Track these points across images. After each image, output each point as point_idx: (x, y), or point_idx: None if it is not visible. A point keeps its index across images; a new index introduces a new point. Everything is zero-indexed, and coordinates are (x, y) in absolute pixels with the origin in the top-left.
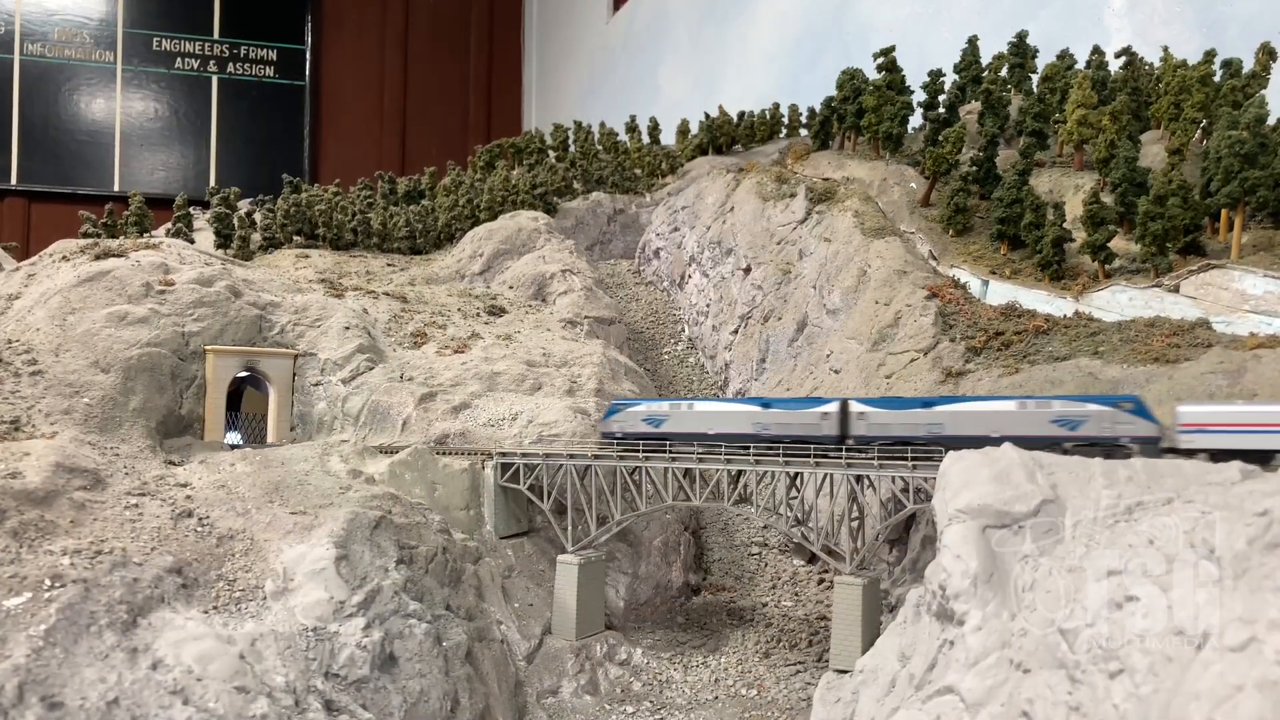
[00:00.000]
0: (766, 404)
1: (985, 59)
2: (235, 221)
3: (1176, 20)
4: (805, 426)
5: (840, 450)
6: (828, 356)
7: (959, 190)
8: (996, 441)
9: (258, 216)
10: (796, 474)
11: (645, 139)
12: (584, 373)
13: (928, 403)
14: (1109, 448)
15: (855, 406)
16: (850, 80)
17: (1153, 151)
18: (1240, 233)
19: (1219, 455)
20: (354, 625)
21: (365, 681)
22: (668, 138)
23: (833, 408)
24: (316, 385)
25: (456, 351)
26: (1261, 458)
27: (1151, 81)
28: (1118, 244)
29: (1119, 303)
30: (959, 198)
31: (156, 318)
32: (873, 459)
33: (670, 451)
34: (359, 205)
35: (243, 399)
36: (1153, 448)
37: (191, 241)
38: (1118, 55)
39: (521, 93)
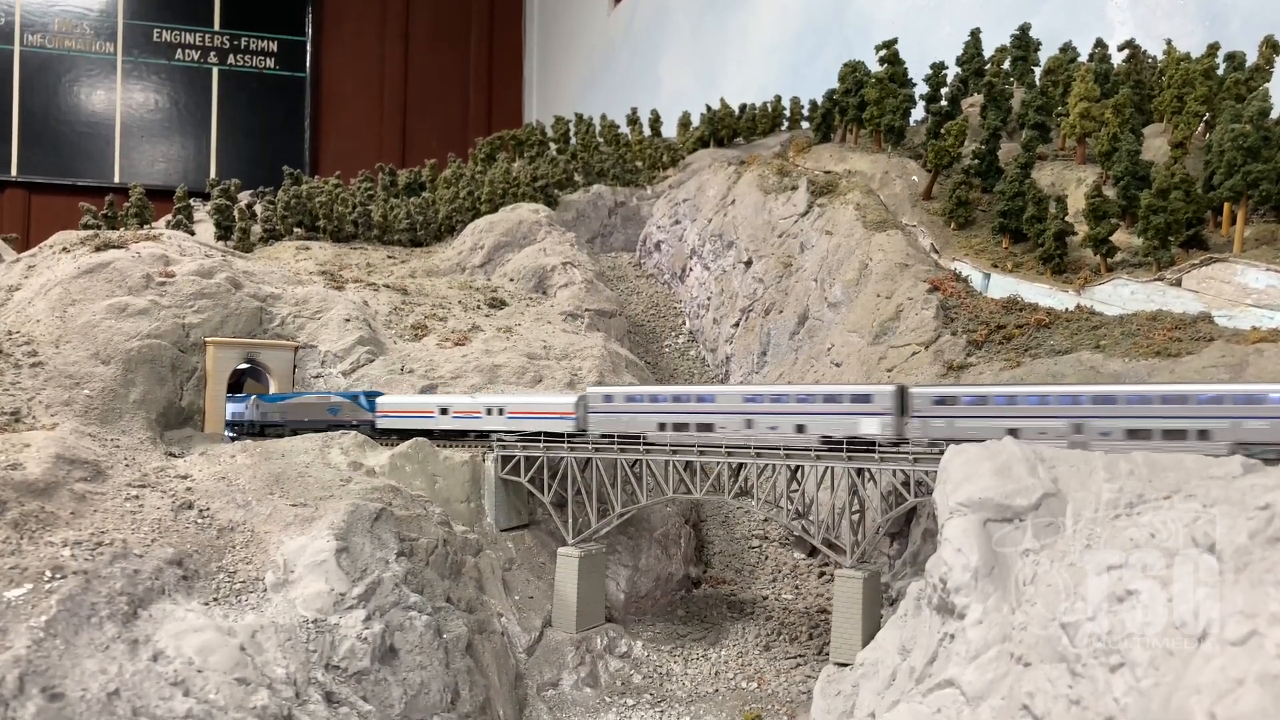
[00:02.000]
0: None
1: (988, 52)
2: (235, 213)
3: (1179, 13)
4: (244, 414)
5: (261, 433)
6: (829, 350)
7: (961, 183)
8: (319, 426)
9: (258, 208)
10: (797, 467)
11: (646, 131)
12: (585, 365)
13: (283, 397)
14: (350, 427)
15: (261, 401)
16: (852, 73)
17: (1155, 145)
18: (1243, 226)
19: (400, 432)
20: (354, 617)
21: (366, 673)
22: (669, 130)
23: (252, 400)
24: (317, 377)
25: (457, 344)
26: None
27: (1154, 75)
28: (1120, 238)
29: (1121, 296)
30: (961, 191)
31: (157, 309)
32: (873, 454)
33: (670, 445)
34: (359, 197)
35: (243, 391)
36: (370, 428)
37: (192, 233)
38: (1120, 48)
39: (522, 85)
